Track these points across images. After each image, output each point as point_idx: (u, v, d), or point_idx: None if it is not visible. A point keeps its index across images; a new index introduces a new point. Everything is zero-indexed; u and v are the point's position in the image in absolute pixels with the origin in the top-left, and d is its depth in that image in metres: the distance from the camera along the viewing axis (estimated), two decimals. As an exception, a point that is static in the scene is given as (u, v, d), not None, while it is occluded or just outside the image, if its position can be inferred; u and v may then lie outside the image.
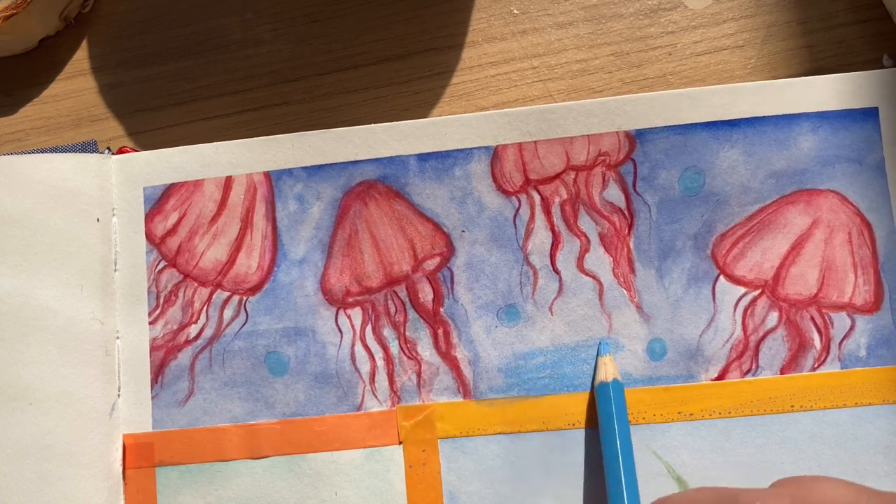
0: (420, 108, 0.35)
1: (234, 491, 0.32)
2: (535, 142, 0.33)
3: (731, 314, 0.32)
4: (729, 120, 0.32)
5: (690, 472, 0.31)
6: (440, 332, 0.32)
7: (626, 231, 0.32)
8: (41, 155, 0.34)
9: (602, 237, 0.32)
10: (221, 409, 0.33)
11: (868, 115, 0.32)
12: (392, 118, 0.35)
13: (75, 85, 0.36)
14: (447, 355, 0.32)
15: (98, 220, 0.33)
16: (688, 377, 0.31)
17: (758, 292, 0.32)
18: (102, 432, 0.32)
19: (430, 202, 0.33)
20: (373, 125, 0.33)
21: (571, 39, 0.35)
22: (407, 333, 0.33)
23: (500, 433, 0.32)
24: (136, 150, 0.35)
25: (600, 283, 0.32)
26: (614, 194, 0.32)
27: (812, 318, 0.31)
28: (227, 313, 0.33)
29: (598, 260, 0.32)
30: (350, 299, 0.33)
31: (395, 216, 0.33)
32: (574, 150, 0.33)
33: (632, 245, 0.32)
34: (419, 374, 0.32)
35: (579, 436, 0.31)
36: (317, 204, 0.33)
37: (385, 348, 0.32)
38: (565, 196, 0.33)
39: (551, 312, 0.32)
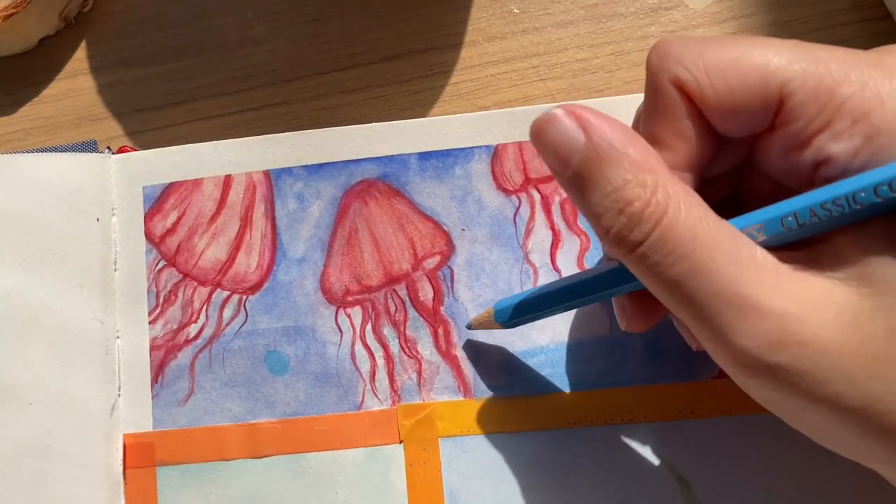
0: (420, 107, 0.35)
1: (234, 490, 0.32)
2: (536, 140, 0.33)
3: (731, 313, 0.31)
4: None
5: (692, 470, 0.31)
6: (440, 330, 0.32)
7: (627, 229, 0.32)
8: (41, 154, 0.34)
9: (602, 236, 0.32)
10: (222, 409, 0.32)
11: None
12: (392, 117, 0.35)
13: (75, 84, 0.36)
14: (447, 354, 0.32)
15: (98, 219, 0.33)
16: (689, 375, 0.31)
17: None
18: (102, 432, 0.32)
19: (431, 201, 0.33)
20: (373, 124, 0.34)
21: (572, 38, 0.35)
22: (407, 332, 0.33)
23: (500, 432, 0.32)
24: (135, 150, 0.35)
25: (601, 282, 0.32)
26: (615, 193, 0.32)
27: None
28: (227, 312, 0.33)
29: (599, 258, 0.32)
30: (350, 298, 0.33)
31: (395, 215, 0.33)
32: (574, 148, 0.33)
33: (632, 243, 0.32)
34: (419, 373, 0.32)
35: (580, 434, 0.31)
36: (316, 203, 0.33)
37: (385, 347, 0.32)
38: (565, 195, 0.33)
39: (551, 311, 0.32)
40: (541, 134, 0.23)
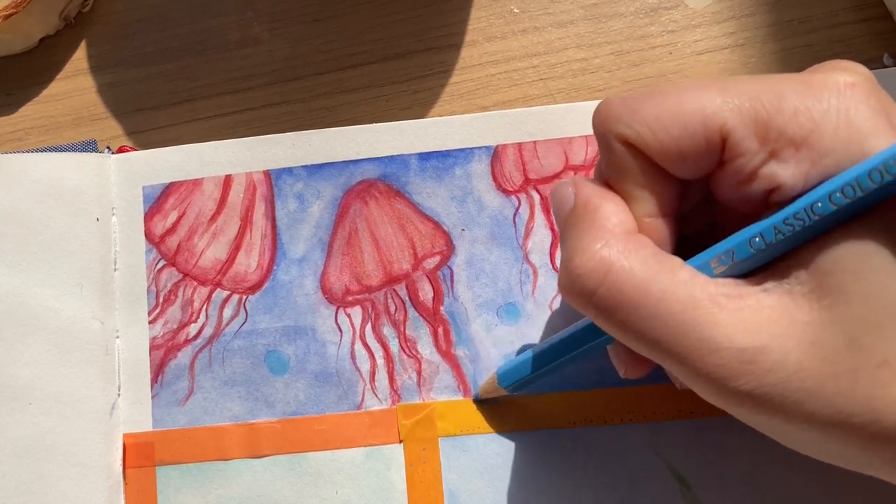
0: (420, 106, 0.35)
1: (234, 490, 0.32)
2: (535, 142, 0.33)
3: (731, 313, 0.32)
4: None
5: (692, 470, 0.31)
6: (440, 330, 0.32)
7: (627, 229, 0.32)
8: (40, 154, 0.34)
9: (602, 236, 0.32)
10: (221, 409, 0.33)
11: None
12: (392, 117, 0.35)
13: (75, 84, 0.36)
14: (447, 354, 0.32)
15: (97, 219, 0.33)
16: (688, 376, 0.31)
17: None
18: (102, 432, 0.32)
19: (431, 201, 0.33)
20: (374, 124, 0.34)
21: (572, 38, 0.35)
22: (407, 332, 0.33)
23: (500, 432, 0.32)
24: (135, 150, 0.35)
25: (600, 282, 0.32)
26: (614, 193, 0.32)
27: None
28: (227, 312, 0.33)
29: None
30: (350, 298, 0.33)
31: (395, 215, 0.33)
32: (573, 150, 0.33)
33: (632, 243, 0.32)
34: (419, 373, 0.32)
35: (580, 434, 0.31)
36: (317, 203, 0.33)
37: (385, 347, 0.32)
38: (565, 195, 0.33)
39: (551, 311, 0.32)
40: (551, 196, 0.26)
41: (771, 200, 0.23)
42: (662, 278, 0.22)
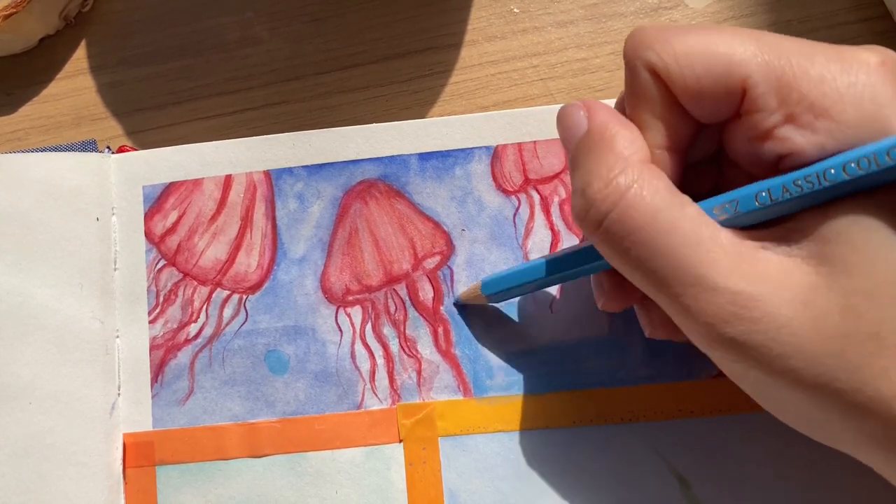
0: (420, 106, 0.35)
1: (234, 489, 0.32)
2: (535, 142, 0.33)
3: (731, 312, 0.32)
4: None
5: (692, 470, 0.31)
6: (440, 330, 0.32)
7: (626, 229, 0.32)
8: (40, 154, 0.34)
9: (602, 236, 0.32)
10: (221, 408, 0.33)
11: None
12: (392, 117, 0.35)
13: (75, 84, 0.36)
14: (447, 353, 0.32)
15: (97, 219, 0.33)
16: (689, 374, 0.31)
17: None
18: (102, 431, 0.32)
19: (431, 201, 0.33)
20: (374, 125, 0.34)
21: (572, 38, 0.35)
22: (407, 332, 0.33)
23: (500, 431, 0.32)
24: (135, 149, 0.35)
25: (600, 282, 0.32)
26: (614, 193, 0.32)
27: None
28: (227, 312, 0.33)
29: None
30: (350, 298, 0.33)
31: (395, 215, 0.33)
32: (574, 148, 0.33)
33: (632, 243, 0.32)
34: (419, 373, 0.32)
35: (580, 434, 0.31)
36: (317, 203, 0.33)
37: (385, 346, 0.32)
38: (564, 195, 0.33)
39: (551, 310, 0.32)
40: (559, 119, 0.26)
41: (782, 166, 0.23)
42: (672, 210, 0.23)
